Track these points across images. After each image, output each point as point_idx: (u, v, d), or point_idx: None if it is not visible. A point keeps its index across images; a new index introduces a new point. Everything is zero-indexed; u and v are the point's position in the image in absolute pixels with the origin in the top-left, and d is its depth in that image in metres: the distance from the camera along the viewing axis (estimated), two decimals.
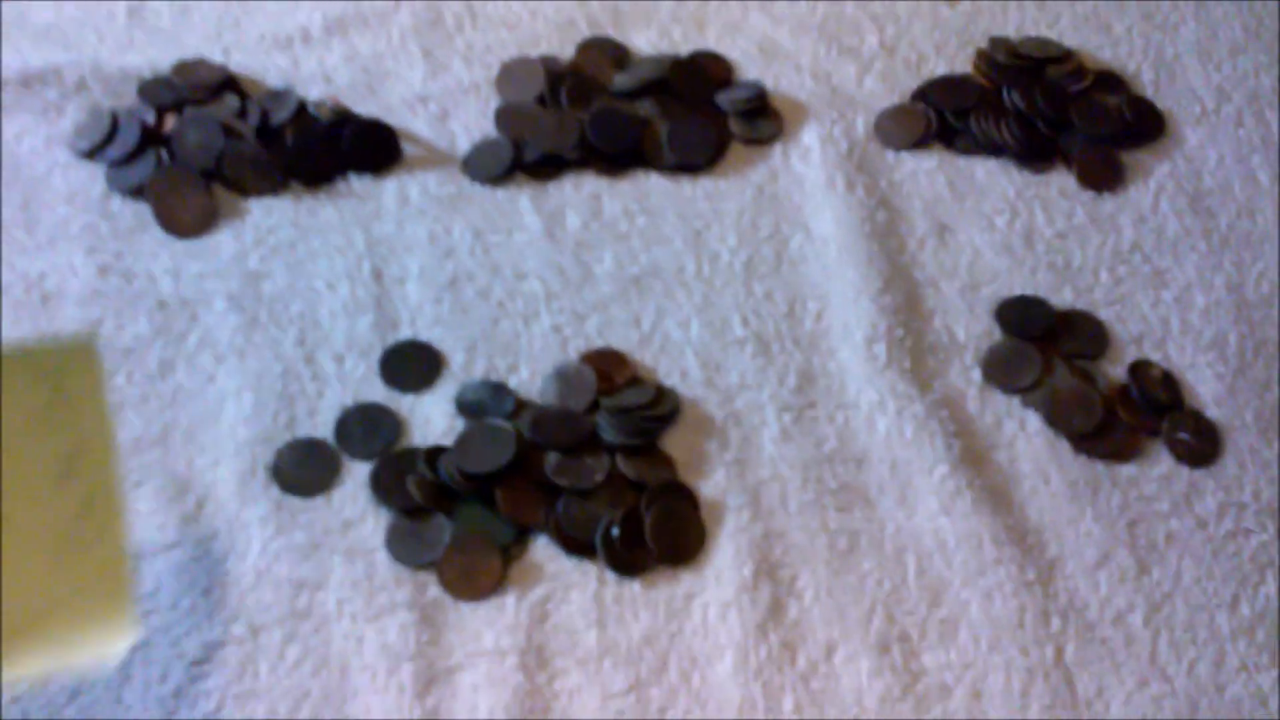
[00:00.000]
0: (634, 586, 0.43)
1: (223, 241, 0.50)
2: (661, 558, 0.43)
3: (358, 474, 0.45)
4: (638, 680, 0.41)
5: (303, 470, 0.44)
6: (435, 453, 0.45)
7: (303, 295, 0.49)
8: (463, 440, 0.45)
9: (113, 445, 0.37)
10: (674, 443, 0.46)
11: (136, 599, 0.38)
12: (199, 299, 0.48)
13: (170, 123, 0.52)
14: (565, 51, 0.57)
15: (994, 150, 0.56)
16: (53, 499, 0.35)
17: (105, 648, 0.36)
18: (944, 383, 0.48)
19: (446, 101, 0.55)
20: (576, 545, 0.43)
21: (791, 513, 0.45)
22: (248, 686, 0.40)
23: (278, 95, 0.53)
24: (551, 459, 0.45)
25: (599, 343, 0.49)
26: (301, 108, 0.53)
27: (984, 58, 0.59)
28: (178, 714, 0.39)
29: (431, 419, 0.46)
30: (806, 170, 0.55)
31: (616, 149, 0.53)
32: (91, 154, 0.51)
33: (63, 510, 0.35)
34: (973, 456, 0.46)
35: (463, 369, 0.48)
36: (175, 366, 0.47)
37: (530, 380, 0.48)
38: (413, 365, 0.48)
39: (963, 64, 0.59)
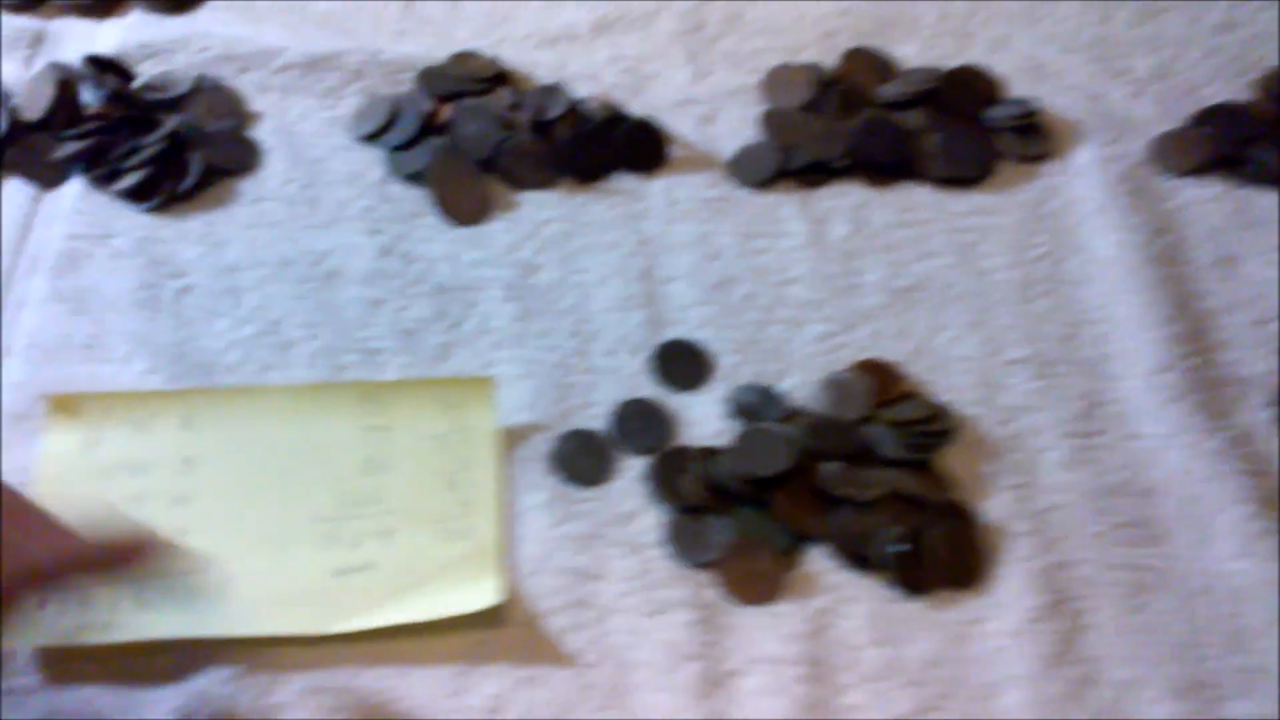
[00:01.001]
0: (916, 606, 0.42)
1: (497, 232, 0.51)
2: (944, 579, 0.42)
3: (632, 468, 0.45)
4: (923, 704, 0.40)
5: (581, 461, 0.44)
6: (712, 453, 0.44)
7: (575, 289, 0.49)
8: (741, 443, 0.44)
9: (491, 465, 0.44)
10: (950, 461, 0.45)
11: (499, 576, 0.42)
12: (476, 286, 0.49)
13: (447, 112, 0.53)
14: (827, 60, 0.57)
15: (1278, 182, 0.53)
16: (441, 499, 0.43)
17: (470, 606, 0.41)
18: (1236, 419, 0.46)
19: (711, 105, 0.55)
20: (856, 558, 0.42)
21: (1079, 544, 0.43)
22: (528, 674, 0.40)
23: (550, 91, 0.53)
24: (829, 469, 0.44)
25: (868, 353, 0.48)
26: (573, 104, 0.53)
27: (1267, 87, 0.56)
28: (461, 695, 0.39)
29: (702, 419, 0.46)
30: (1080, 191, 0.53)
31: (885, 159, 0.52)
32: (372, 139, 0.52)
33: (447, 508, 0.43)
34: (1273, 499, 0.44)
35: (731, 371, 0.47)
36: (454, 351, 0.47)
37: (798, 387, 0.47)
38: (683, 364, 0.47)
39: (1236, 93, 0.57)
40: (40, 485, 0.42)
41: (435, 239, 0.50)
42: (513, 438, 0.45)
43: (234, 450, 0.44)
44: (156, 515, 0.42)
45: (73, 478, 0.43)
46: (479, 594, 0.41)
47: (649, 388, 0.47)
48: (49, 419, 0.44)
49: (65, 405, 0.44)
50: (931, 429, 0.45)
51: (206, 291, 0.48)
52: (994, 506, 0.44)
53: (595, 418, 0.46)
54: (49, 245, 0.50)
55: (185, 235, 0.50)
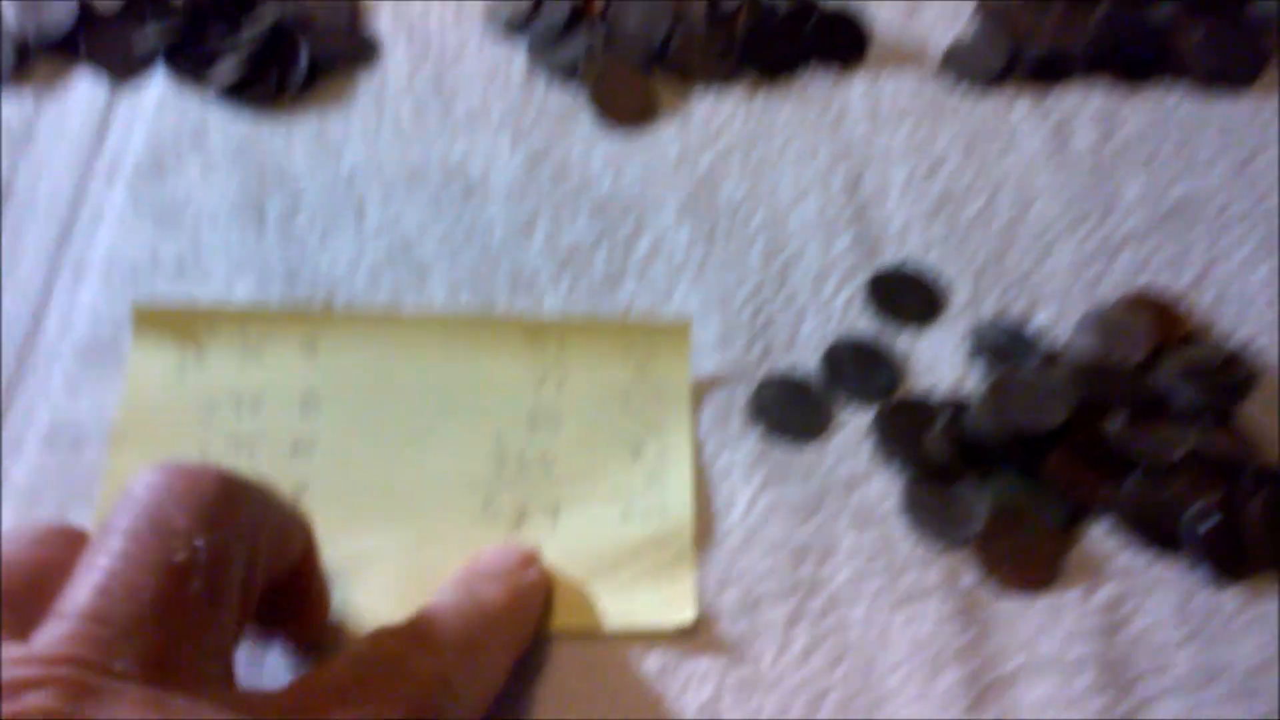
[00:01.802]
0: (1232, 594, 0.33)
1: (666, 137, 0.42)
2: (1266, 560, 0.33)
3: (853, 421, 0.36)
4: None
5: (790, 412, 0.35)
6: (959, 404, 0.35)
7: (766, 205, 0.40)
8: (996, 392, 0.35)
9: (686, 431, 0.35)
10: (1248, 416, 0.36)
11: (695, 576, 0.33)
12: (644, 202, 0.40)
13: None
14: None
15: None
16: (624, 469, 0.34)
17: (662, 616, 0.32)
18: None
19: None
20: (1154, 535, 0.33)
21: None
22: (747, 674, 0.31)
23: None
24: (1116, 424, 0.35)
25: (1135, 285, 0.39)
26: None
27: None
28: (670, 696, 0.31)
29: (934, 363, 0.37)
30: None
31: (1137, 54, 0.43)
32: (512, 29, 0.44)
33: (631, 480, 0.34)
34: None
35: (968, 305, 0.38)
36: (624, 279, 0.38)
37: (1053, 325, 0.38)
38: (907, 296, 0.38)
39: None
40: (125, 420, 0.34)
41: (592, 146, 0.41)
42: (700, 384, 0.36)
43: (368, 388, 0.35)
44: (272, 466, 0.33)
45: (167, 410, 0.34)
46: (675, 602, 0.32)
47: (865, 323, 0.38)
48: (136, 335, 0.35)
49: (157, 319, 0.35)
50: (1229, 376, 0.36)
51: (322, 205, 0.40)
52: None
53: (805, 359, 0.37)
54: (129, 149, 0.41)
55: (293, 139, 0.41)
